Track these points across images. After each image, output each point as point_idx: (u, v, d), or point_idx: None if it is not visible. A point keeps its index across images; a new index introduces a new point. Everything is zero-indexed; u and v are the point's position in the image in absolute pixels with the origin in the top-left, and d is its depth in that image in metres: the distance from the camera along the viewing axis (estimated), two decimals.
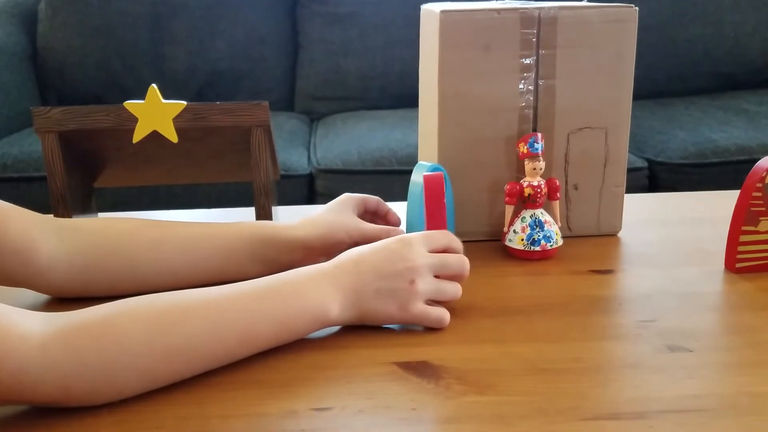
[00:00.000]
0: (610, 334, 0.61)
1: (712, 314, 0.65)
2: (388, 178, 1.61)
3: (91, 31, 2.04)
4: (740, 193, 0.72)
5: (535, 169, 0.77)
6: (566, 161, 0.82)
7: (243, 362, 0.56)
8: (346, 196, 0.78)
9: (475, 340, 0.60)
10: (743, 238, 0.72)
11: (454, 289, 0.63)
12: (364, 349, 0.58)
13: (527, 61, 0.78)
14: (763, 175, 0.70)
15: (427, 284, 0.61)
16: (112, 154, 0.85)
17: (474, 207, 0.82)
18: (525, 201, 0.78)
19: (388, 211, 0.81)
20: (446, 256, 0.63)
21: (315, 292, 0.58)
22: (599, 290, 0.70)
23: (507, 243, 0.78)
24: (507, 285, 0.72)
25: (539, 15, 0.77)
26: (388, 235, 0.68)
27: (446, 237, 0.65)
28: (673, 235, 0.85)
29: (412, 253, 0.61)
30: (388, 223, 0.81)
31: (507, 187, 0.78)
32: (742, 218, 0.71)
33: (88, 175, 0.88)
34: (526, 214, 0.78)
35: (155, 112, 0.75)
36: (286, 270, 0.61)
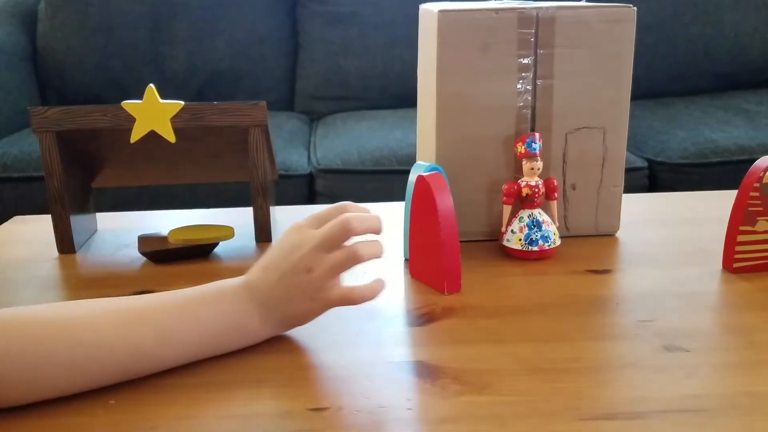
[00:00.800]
0: (608, 334, 0.61)
1: (711, 314, 0.64)
2: (388, 178, 1.61)
3: (90, 31, 2.04)
4: (737, 193, 0.72)
5: (532, 168, 0.77)
6: (564, 161, 0.82)
7: (237, 362, 0.56)
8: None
9: (473, 339, 0.60)
10: (741, 238, 0.72)
11: (357, 253, 0.56)
12: (361, 349, 0.58)
13: (525, 60, 0.78)
14: (761, 175, 0.70)
15: (324, 266, 0.55)
16: (110, 154, 0.85)
17: (472, 207, 0.82)
18: (523, 201, 0.78)
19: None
20: (328, 224, 0.56)
21: (234, 306, 0.56)
22: (597, 290, 0.70)
23: (505, 243, 0.78)
24: (505, 285, 0.72)
25: (537, 15, 0.77)
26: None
27: (337, 208, 0.59)
28: (671, 235, 0.85)
29: (301, 240, 0.56)
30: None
31: (505, 186, 0.78)
32: (740, 218, 0.71)
33: (86, 175, 0.88)
34: (524, 214, 0.77)
35: (153, 112, 0.75)
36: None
